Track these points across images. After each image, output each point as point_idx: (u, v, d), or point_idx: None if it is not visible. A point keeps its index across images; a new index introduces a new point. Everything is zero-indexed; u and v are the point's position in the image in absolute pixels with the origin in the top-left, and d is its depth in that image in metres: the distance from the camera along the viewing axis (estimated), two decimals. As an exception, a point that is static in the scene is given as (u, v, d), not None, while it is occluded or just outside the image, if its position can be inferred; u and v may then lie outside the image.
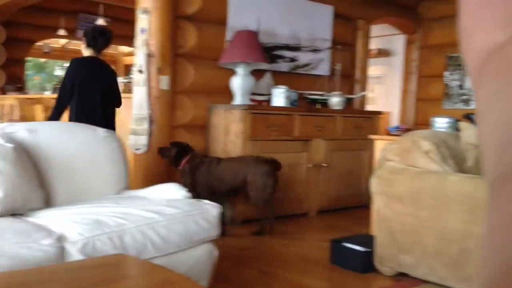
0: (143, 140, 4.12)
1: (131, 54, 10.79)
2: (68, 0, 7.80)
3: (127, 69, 10.98)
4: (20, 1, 6.37)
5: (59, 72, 9.63)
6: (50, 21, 8.02)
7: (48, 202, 2.43)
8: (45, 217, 2.15)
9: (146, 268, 1.68)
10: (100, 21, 7.30)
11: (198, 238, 2.31)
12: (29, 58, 9.77)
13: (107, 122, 3.82)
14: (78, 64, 3.89)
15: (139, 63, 4.15)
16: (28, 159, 2.43)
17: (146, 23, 4.10)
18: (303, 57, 5.02)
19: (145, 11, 4.11)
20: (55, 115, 3.80)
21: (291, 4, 4.87)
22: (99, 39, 3.95)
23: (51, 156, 2.57)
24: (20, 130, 2.59)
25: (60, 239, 1.92)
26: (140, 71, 4.17)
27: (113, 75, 4.12)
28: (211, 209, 2.40)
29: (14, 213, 2.21)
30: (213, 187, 3.67)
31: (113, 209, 2.24)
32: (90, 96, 3.85)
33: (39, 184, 2.41)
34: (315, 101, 4.85)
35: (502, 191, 0.13)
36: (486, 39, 0.15)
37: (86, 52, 3.97)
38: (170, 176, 4.12)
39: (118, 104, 4.14)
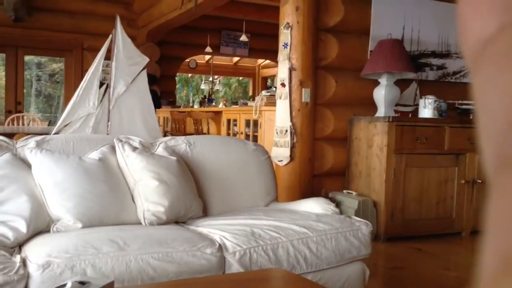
0: (285, 152, 4.20)
1: (267, 66, 11.18)
2: (214, 18, 8.37)
3: (264, 81, 11.37)
4: (173, 22, 6.99)
5: (204, 86, 10.34)
6: (198, 39, 8.66)
7: (204, 212, 2.59)
8: (204, 226, 2.29)
9: (304, 284, 1.68)
10: (243, 37, 7.67)
11: (349, 256, 2.26)
12: (177, 74, 10.66)
13: None
14: None
15: (281, 76, 4.25)
16: (188, 171, 2.62)
17: (289, 37, 4.19)
18: (453, 65, 4.68)
19: (288, 26, 4.20)
20: None
21: (439, 9, 4.59)
22: None
23: (207, 167, 2.74)
24: (181, 143, 2.80)
25: (221, 248, 2.02)
26: (283, 85, 4.26)
27: None
28: (362, 227, 2.33)
29: (177, 221, 2.40)
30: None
31: (265, 221, 2.30)
32: None
33: (198, 194, 2.58)
34: (467, 111, 4.48)
35: (503, 181, 0.13)
36: (482, 27, 0.15)
37: None
38: (311, 188, 4.13)
39: None
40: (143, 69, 3.36)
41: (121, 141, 2.48)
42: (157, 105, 6.50)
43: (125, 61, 3.26)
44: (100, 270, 1.78)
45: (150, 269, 1.85)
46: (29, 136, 2.51)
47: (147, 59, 3.43)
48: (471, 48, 0.15)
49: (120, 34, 3.33)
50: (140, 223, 2.30)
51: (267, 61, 10.78)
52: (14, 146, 2.40)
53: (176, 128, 5.94)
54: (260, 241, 2.10)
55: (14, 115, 6.45)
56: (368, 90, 4.27)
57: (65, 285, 1.25)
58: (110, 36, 3.33)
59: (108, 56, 3.45)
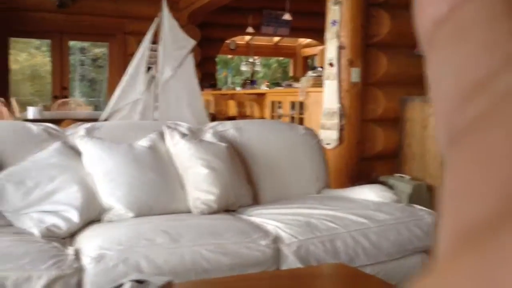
0: (333, 135, 4.05)
1: (308, 46, 10.91)
2: (255, -2, 8.18)
3: (305, 61, 11.12)
4: (214, 3, 6.87)
5: (244, 67, 10.22)
6: (239, 19, 8.51)
7: (255, 199, 2.50)
8: (256, 216, 2.20)
9: (370, 281, 1.56)
10: (286, 16, 7.47)
11: (411, 247, 2.12)
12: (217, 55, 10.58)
13: None
14: None
15: (330, 56, 4.07)
16: (237, 157, 2.53)
17: (338, 14, 3.99)
18: None
19: (337, 2, 4.00)
20: None
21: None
22: None
23: (256, 153, 2.64)
24: (229, 128, 2.71)
25: (276, 240, 1.93)
26: (331, 64, 4.09)
27: None
28: (425, 216, 2.18)
29: (227, 210, 2.32)
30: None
31: (321, 211, 2.19)
32: None
33: (247, 181, 2.50)
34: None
35: (451, 158, 0.13)
36: (435, 9, 0.15)
37: None
38: (358, 171, 3.98)
39: None
40: (190, 52, 3.28)
41: (169, 127, 2.41)
42: None
43: (171, 45, 3.19)
44: (153, 262, 1.73)
45: (204, 261, 1.79)
46: (79, 123, 2.48)
47: (193, 42, 3.33)
48: (425, 31, 0.15)
49: (166, 17, 3.25)
50: (190, 212, 2.24)
51: (309, 40, 10.51)
52: (64, 134, 2.38)
53: (219, 111, 5.87)
54: (317, 232, 1.99)
55: (61, 100, 6.56)
56: (422, 68, 4.03)
57: (121, 285, 1.19)
58: (156, 19, 3.25)
59: (155, 40, 3.38)
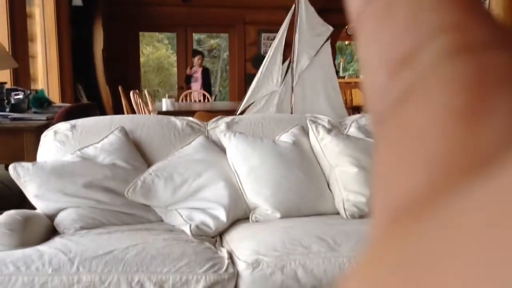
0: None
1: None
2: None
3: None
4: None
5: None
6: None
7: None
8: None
9: None
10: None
11: None
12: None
13: None
14: None
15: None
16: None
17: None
18: None
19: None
20: None
21: None
22: None
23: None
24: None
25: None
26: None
27: None
28: None
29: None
30: None
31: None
32: None
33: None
34: None
35: (381, 136, 0.13)
36: None
37: None
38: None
39: None
40: (327, 39, 3.08)
41: (314, 122, 2.26)
42: None
43: (308, 32, 3.02)
44: (311, 272, 1.59)
45: (366, 274, 1.60)
46: (218, 117, 2.43)
47: (330, 29, 3.14)
48: (353, 9, 0.15)
49: (303, 3, 3.08)
50: (338, 213, 2.07)
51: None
52: (205, 129, 2.34)
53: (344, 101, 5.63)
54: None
55: (187, 92, 6.78)
56: None
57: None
58: (293, 6, 3.10)
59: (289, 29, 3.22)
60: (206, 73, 7.29)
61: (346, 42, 12.11)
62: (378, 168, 0.13)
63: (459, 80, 0.12)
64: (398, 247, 0.10)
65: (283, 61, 3.09)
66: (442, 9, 0.13)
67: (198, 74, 7.16)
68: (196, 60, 7.22)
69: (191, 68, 7.27)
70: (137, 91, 4.94)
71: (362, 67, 0.15)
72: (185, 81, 7.28)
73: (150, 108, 4.75)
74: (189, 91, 6.85)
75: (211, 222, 1.91)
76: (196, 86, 7.08)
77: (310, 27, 3.04)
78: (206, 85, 7.13)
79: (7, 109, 3.16)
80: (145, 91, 5.18)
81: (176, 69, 8.16)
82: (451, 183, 0.10)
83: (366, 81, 0.15)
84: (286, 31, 3.06)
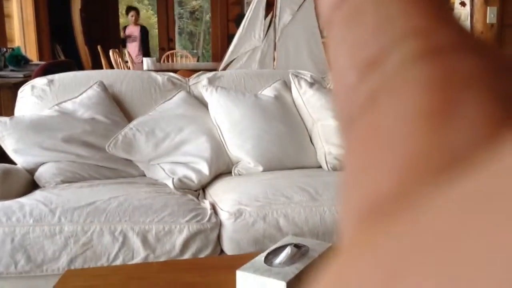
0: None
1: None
2: None
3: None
4: None
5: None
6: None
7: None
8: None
9: None
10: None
11: None
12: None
13: None
14: None
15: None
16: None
17: None
18: None
19: None
20: None
21: None
22: None
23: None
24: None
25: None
26: (462, 4, 3.62)
27: None
28: None
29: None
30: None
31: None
32: None
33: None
34: None
35: (349, 138, 0.14)
36: None
37: None
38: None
39: None
40: (310, -7, 3.02)
41: (296, 76, 2.24)
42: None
43: (290, -15, 2.95)
44: (293, 221, 1.61)
45: (347, 222, 1.63)
46: (200, 72, 2.40)
47: (313, -18, 3.06)
48: (324, 13, 0.16)
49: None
50: (320, 167, 2.09)
51: None
52: (187, 84, 2.31)
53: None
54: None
55: (168, 52, 6.66)
56: None
57: (281, 247, 1.07)
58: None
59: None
60: (144, 32, 6.48)
61: None
62: (347, 168, 0.13)
63: (425, 81, 0.12)
64: (369, 247, 0.10)
65: (265, 16, 3.04)
66: (409, 14, 0.13)
67: (136, 33, 6.36)
68: (130, 17, 6.43)
69: (124, 30, 6.54)
70: (116, 50, 4.83)
71: (331, 68, 0.16)
72: (122, 45, 6.46)
73: (131, 68, 4.66)
74: (171, 51, 6.71)
75: (193, 176, 1.92)
76: (134, 47, 6.30)
77: (293, -20, 2.98)
78: (144, 46, 6.40)
79: (-18, 68, 3.07)
80: (125, 51, 5.06)
81: (157, 30, 7.98)
82: (420, 182, 0.11)
83: (334, 81, 0.15)
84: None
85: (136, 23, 6.40)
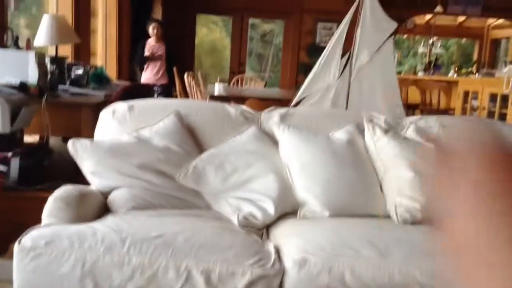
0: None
1: (500, 27, 9.59)
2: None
3: (494, 45, 9.83)
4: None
5: (422, 49, 9.42)
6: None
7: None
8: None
9: None
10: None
11: None
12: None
13: None
14: None
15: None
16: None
17: None
18: None
19: None
20: None
21: None
22: None
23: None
24: (433, 126, 2.38)
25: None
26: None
27: None
28: None
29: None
30: None
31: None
32: None
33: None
34: None
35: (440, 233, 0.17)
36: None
37: None
38: None
39: None
40: (390, 36, 2.97)
41: (370, 121, 2.19)
42: None
43: (371, 27, 2.92)
44: (360, 277, 1.55)
45: (417, 285, 1.55)
46: (272, 108, 2.40)
47: (395, 24, 3.02)
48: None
49: (369, -5, 2.98)
50: (389, 217, 2.01)
51: (500, 21, 9.23)
52: (259, 119, 2.32)
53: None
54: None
55: (238, 76, 6.79)
56: None
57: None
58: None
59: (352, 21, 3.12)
60: (169, 51, 5.31)
61: (404, 36, 11.72)
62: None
63: None
64: None
65: (342, 55, 3.02)
66: None
67: (161, 51, 5.23)
68: (151, 30, 5.21)
69: (142, 45, 5.32)
70: (191, 72, 4.98)
71: (440, 208, 0.18)
72: (139, 68, 5.41)
73: (202, 90, 4.78)
74: (241, 75, 6.83)
75: (258, 214, 1.90)
76: (153, 67, 5.24)
77: (374, 22, 2.94)
78: (170, 67, 5.10)
79: (67, 83, 3.26)
80: (198, 74, 5.20)
81: (229, 52, 8.17)
82: None
83: (449, 224, 0.17)
84: (348, 24, 2.97)
85: (159, 38, 5.25)
